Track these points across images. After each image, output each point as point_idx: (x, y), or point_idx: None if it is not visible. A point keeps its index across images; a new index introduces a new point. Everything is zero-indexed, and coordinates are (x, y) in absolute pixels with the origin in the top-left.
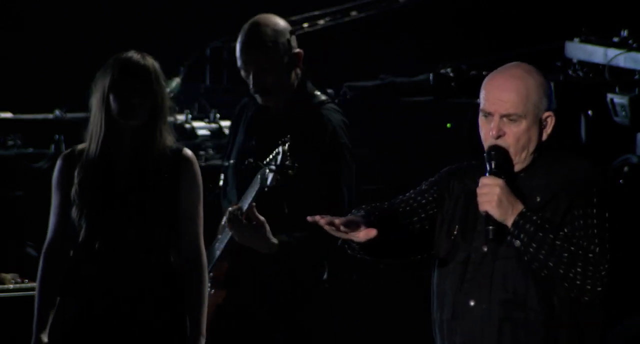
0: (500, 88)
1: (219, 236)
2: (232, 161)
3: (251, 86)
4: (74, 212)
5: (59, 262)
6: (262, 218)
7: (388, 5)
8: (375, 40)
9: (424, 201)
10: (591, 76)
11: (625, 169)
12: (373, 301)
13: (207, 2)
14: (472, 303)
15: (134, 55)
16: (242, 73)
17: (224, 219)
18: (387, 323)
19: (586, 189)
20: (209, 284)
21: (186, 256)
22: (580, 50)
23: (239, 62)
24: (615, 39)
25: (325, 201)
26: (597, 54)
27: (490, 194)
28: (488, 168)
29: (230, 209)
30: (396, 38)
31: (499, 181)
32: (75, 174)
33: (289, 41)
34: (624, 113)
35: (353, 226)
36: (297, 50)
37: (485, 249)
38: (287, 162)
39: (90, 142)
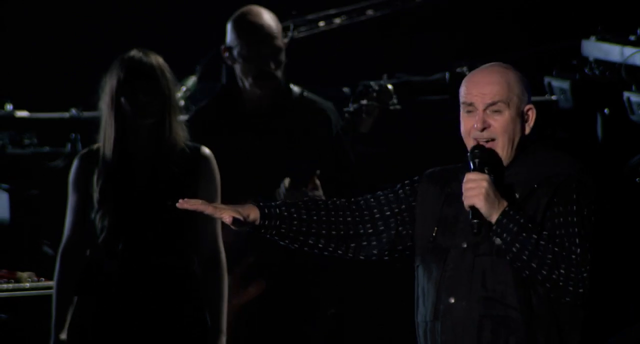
0: (484, 80)
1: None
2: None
3: (261, 70)
4: (94, 212)
5: (76, 261)
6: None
7: (404, 4)
8: (391, 39)
9: (384, 200)
10: (607, 75)
11: None
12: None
13: (223, 0)
14: (452, 300)
15: (136, 53)
16: (244, 61)
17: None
18: (371, 326)
19: (566, 185)
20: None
21: (205, 255)
22: (597, 49)
23: (246, 49)
24: (632, 37)
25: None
26: (614, 52)
27: (478, 188)
28: (472, 166)
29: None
30: (412, 37)
31: (485, 176)
32: (94, 174)
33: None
34: None
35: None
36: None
37: (465, 245)
38: None
39: (104, 144)
